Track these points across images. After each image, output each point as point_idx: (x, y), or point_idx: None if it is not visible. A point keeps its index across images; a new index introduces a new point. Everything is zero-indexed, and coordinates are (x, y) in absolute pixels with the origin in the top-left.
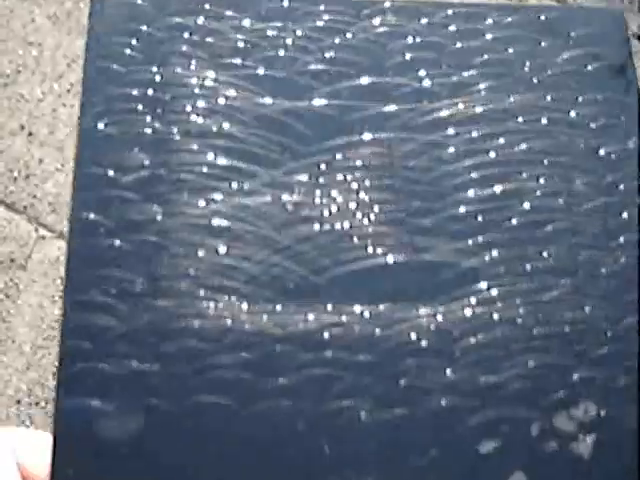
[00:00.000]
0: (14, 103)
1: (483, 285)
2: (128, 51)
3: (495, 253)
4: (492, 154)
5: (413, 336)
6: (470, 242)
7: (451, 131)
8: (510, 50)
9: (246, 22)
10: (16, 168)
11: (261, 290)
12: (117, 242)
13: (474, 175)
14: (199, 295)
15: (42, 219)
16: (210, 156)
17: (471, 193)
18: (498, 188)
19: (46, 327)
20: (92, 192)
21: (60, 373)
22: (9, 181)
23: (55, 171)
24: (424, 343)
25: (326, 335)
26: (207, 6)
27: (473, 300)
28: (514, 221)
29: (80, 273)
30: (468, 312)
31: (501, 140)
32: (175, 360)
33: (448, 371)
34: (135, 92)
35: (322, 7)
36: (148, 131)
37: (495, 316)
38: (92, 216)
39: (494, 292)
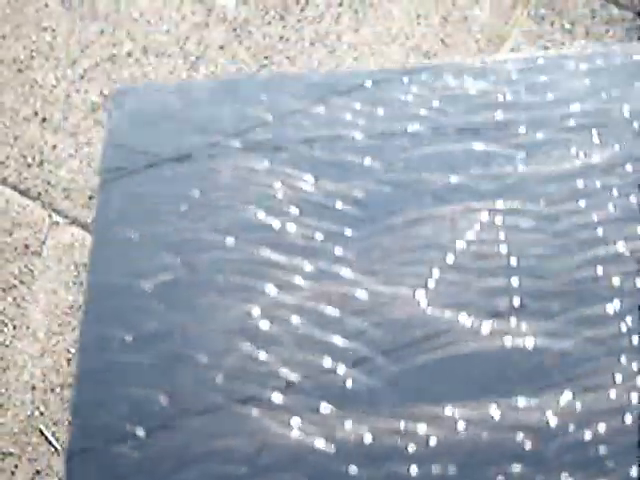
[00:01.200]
0: (28, 89)
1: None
2: (154, 146)
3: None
4: (570, 218)
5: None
6: (559, 322)
7: (524, 195)
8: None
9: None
10: (30, 154)
11: (304, 397)
12: (134, 355)
13: (555, 249)
14: (231, 410)
15: (56, 205)
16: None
17: (553, 264)
18: (580, 257)
19: (60, 313)
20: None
21: None
22: (23, 167)
23: (69, 157)
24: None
25: (386, 446)
26: (241, 91)
27: (573, 390)
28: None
29: (90, 393)
30: (568, 404)
31: (582, 202)
32: None
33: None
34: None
35: (368, 82)
36: (172, 231)
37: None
38: (105, 330)
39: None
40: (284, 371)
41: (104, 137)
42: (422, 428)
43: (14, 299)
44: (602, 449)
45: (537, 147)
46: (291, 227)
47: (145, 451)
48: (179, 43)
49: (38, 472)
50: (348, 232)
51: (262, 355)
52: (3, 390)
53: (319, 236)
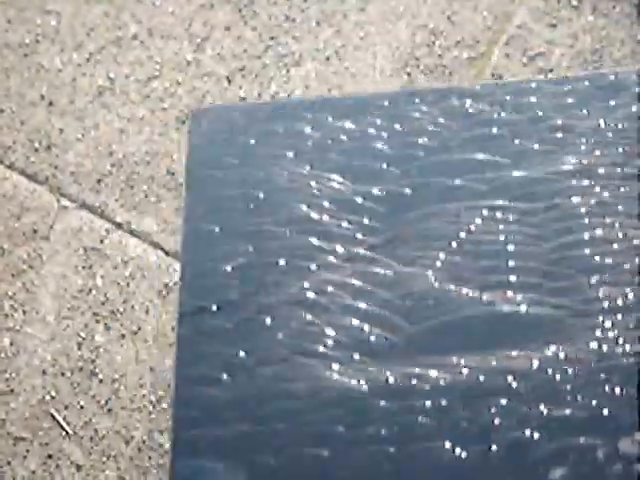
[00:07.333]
0: (34, 73)
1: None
2: (227, 158)
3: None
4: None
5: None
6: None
7: (511, 196)
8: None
9: (329, 119)
10: (37, 139)
11: (345, 350)
12: (220, 321)
13: (536, 232)
14: (293, 361)
15: (64, 189)
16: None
17: (531, 249)
18: (564, 239)
19: (70, 297)
20: (198, 282)
21: (174, 439)
22: (30, 152)
23: (76, 141)
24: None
25: (411, 385)
26: (290, 111)
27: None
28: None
29: (188, 351)
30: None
31: (557, 199)
32: (274, 420)
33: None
34: (234, 192)
35: (386, 102)
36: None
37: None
38: (198, 301)
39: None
40: (330, 332)
41: (187, 154)
42: (433, 373)
43: (23, 284)
44: (569, 386)
45: (522, 155)
46: (332, 220)
47: (232, 393)
48: (184, 25)
49: (50, 456)
50: (375, 224)
51: (314, 319)
52: (14, 375)
53: (354, 227)
